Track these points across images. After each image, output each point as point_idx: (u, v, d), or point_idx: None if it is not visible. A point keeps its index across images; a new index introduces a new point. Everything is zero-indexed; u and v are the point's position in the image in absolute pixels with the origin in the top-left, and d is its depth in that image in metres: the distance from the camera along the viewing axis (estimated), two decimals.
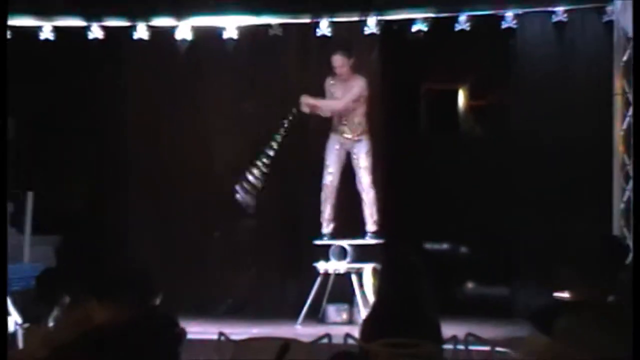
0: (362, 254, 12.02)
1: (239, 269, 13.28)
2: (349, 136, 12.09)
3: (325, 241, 12.11)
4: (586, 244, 4.90)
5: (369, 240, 12.09)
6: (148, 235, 12.84)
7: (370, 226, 12.17)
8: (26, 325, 9.00)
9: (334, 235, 12.20)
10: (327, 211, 12.21)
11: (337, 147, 12.16)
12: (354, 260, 11.93)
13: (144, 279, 6.64)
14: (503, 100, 13.35)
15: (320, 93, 12.27)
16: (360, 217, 12.24)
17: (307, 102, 12.07)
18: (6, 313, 8.84)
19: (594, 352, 3.73)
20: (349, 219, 12.29)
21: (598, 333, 3.74)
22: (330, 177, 12.16)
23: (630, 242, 10.10)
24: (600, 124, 11.09)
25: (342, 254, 11.97)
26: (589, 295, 4.54)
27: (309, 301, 11.77)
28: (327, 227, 12.20)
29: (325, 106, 12.17)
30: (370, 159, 12.08)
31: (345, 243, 12.00)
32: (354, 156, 12.12)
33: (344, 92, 12.04)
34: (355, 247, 12.00)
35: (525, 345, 4.68)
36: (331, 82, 12.14)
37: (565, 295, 5.38)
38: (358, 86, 12.01)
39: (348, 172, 12.23)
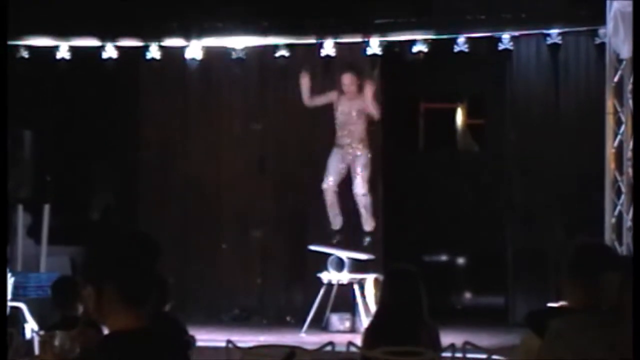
0: (361, 265, 12.23)
1: (246, 279, 13.52)
2: (350, 150, 12.34)
3: (320, 248, 12.29)
4: (577, 252, 4.79)
5: (363, 256, 12.30)
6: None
7: (367, 226, 12.46)
8: (42, 332, 9.21)
9: (337, 245, 12.42)
10: (332, 215, 12.50)
11: (339, 159, 12.40)
12: (354, 271, 12.11)
13: (162, 285, 6.92)
14: (499, 119, 13.58)
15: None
16: (359, 226, 12.52)
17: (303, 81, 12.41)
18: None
19: (581, 355, 3.85)
20: (347, 229, 12.55)
21: (585, 337, 3.85)
22: (330, 182, 12.40)
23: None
24: (592, 141, 11.28)
25: (339, 265, 12.13)
26: (580, 302, 4.52)
27: (313, 310, 11.93)
28: (334, 237, 12.44)
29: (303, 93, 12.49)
30: (368, 170, 12.35)
31: (343, 254, 12.17)
32: (353, 168, 12.38)
33: (349, 109, 12.31)
34: (352, 258, 12.17)
35: (521, 346, 4.78)
36: (337, 97, 12.37)
37: (559, 303, 5.42)
38: (362, 102, 12.27)
39: (347, 181, 12.48)
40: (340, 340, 8.48)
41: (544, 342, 4.03)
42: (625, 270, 4.04)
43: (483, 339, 9.57)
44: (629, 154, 10.56)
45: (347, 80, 12.27)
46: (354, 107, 12.33)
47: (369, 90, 12.29)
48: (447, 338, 7.39)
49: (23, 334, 10.56)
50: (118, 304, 3.48)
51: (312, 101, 12.51)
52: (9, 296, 10.79)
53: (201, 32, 12.45)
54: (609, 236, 10.59)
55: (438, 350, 6.90)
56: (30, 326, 10.65)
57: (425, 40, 11.98)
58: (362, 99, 12.32)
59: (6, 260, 10.77)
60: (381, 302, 7.03)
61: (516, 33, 11.96)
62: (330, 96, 12.44)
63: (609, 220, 10.67)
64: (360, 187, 12.38)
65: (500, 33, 11.90)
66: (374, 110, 12.32)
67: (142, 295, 3.51)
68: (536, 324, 4.42)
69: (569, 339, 3.89)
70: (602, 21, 10.74)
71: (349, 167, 12.44)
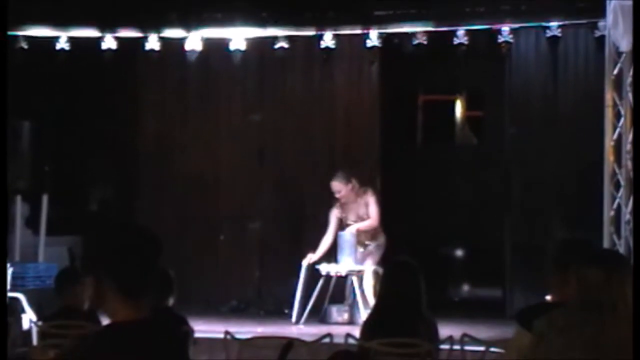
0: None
1: (244, 270, 13.56)
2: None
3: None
4: (557, 246, 4.97)
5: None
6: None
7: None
8: (40, 323, 9.25)
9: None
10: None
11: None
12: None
13: (166, 278, 6.99)
14: (498, 111, 13.58)
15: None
16: None
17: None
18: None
19: (561, 355, 3.95)
20: None
21: (564, 338, 3.94)
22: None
23: (620, 249, 10.33)
24: (591, 134, 11.28)
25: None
26: (562, 296, 4.63)
27: (311, 302, 11.92)
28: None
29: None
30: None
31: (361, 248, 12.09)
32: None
33: (355, 213, 12.10)
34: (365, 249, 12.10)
35: (513, 342, 4.85)
36: (337, 211, 12.11)
37: (548, 298, 5.49)
38: (367, 204, 12.05)
39: None
40: (338, 332, 8.50)
41: (531, 343, 4.12)
42: (607, 267, 4.07)
43: (481, 332, 9.54)
44: (627, 146, 10.57)
45: (336, 187, 11.95)
46: (352, 213, 12.13)
47: (371, 198, 12.09)
48: (445, 330, 7.45)
49: (20, 324, 10.58)
50: (117, 295, 3.52)
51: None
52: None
53: (200, 23, 12.38)
54: (607, 229, 10.59)
55: (436, 343, 6.95)
56: (29, 317, 10.65)
57: (424, 33, 11.89)
58: (361, 205, 12.08)
59: (6, 255, 10.79)
60: (380, 294, 7.09)
61: (515, 25, 11.90)
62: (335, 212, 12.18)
63: (608, 214, 10.66)
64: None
65: (500, 25, 11.83)
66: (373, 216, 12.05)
67: (141, 288, 3.55)
68: (526, 321, 4.50)
69: (550, 340, 3.96)
70: (602, 14, 10.74)
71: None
